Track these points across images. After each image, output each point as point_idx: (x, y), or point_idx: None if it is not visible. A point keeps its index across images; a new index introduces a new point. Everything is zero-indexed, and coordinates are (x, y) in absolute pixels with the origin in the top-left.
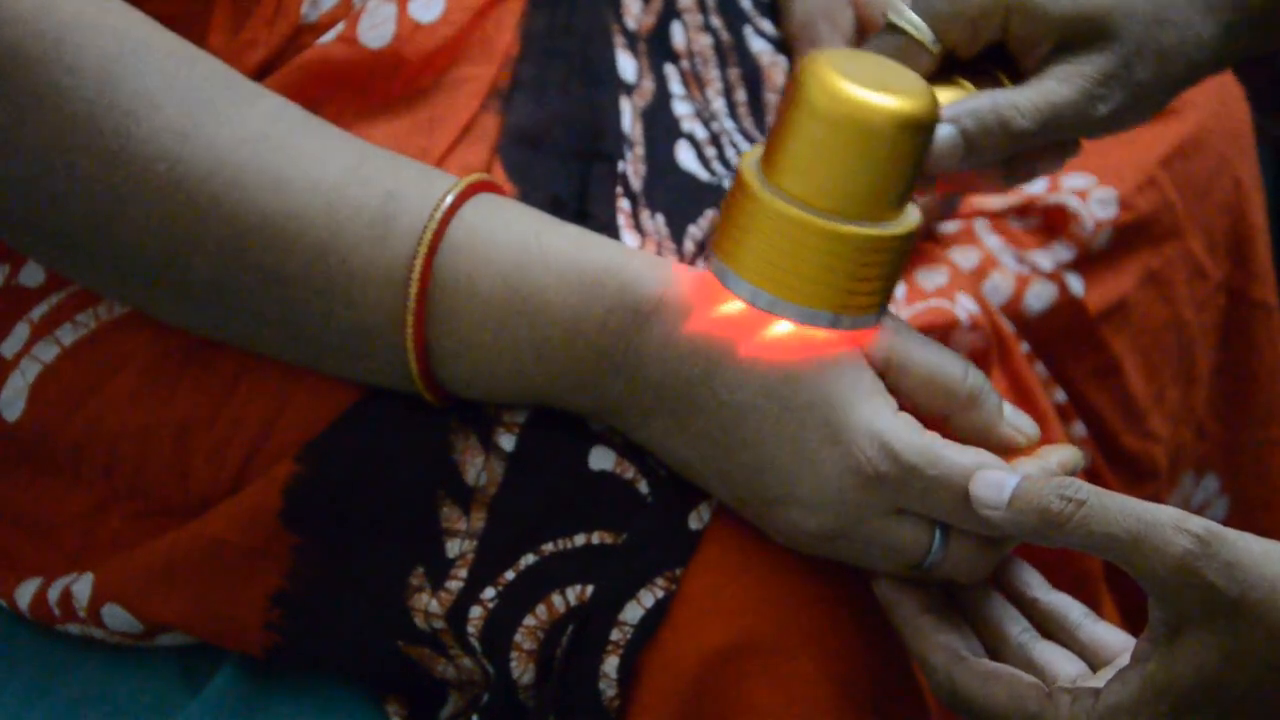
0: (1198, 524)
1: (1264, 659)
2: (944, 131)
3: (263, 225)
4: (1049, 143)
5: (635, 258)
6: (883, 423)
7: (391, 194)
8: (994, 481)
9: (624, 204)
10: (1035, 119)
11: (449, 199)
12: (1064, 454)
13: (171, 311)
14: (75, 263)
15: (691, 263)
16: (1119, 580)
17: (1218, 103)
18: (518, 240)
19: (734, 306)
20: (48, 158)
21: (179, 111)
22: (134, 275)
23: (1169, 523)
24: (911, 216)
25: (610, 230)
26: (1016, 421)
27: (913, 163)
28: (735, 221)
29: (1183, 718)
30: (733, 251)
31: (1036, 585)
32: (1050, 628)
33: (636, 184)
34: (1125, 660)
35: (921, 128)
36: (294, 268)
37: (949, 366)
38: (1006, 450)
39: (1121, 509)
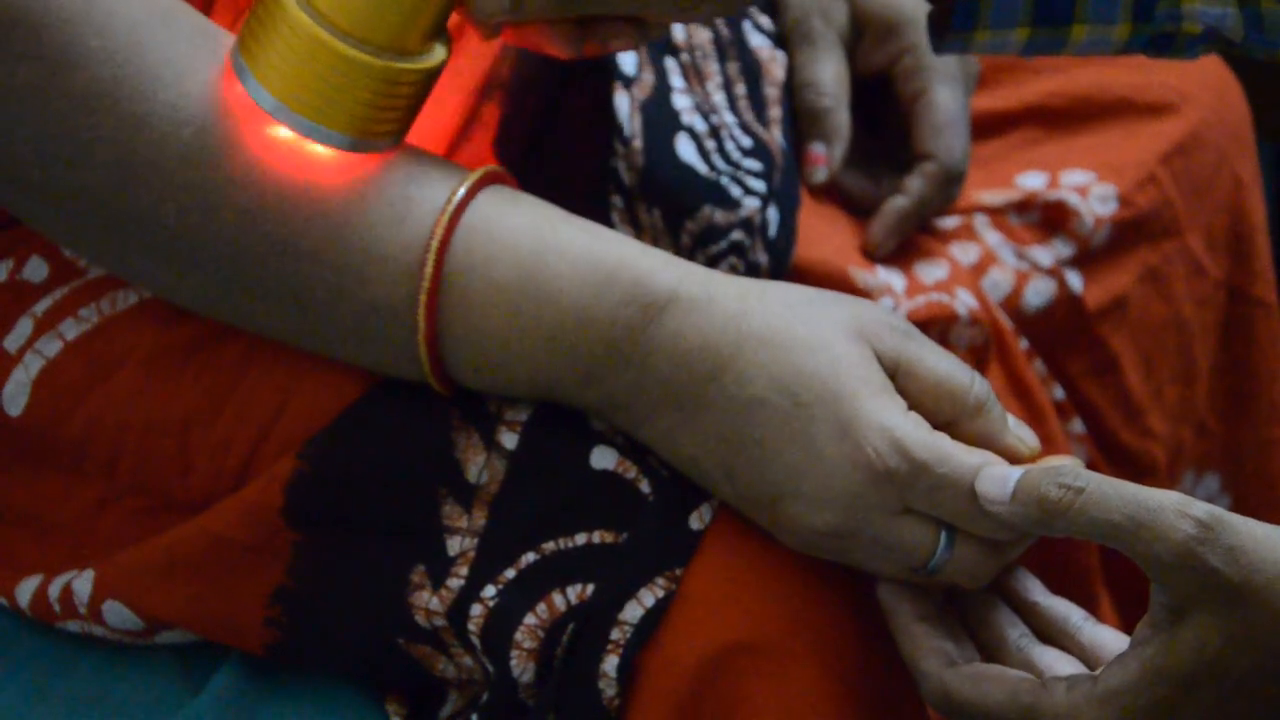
0: (1200, 509)
1: (1265, 642)
2: None
3: (283, 197)
4: (618, 16)
5: (649, 253)
6: (893, 419)
7: (411, 176)
8: (998, 476)
9: (616, 200)
10: None
11: (466, 185)
12: (1064, 462)
13: (180, 287)
14: (86, 231)
15: (689, 257)
16: (1115, 578)
17: (1218, 100)
18: (533, 229)
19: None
20: (72, 119)
21: (205, 79)
22: (147, 245)
23: (1171, 508)
24: (437, 54)
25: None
26: (1019, 432)
27: (443, 1)
28: (266, 28)
29: (1182, 701)
30: (257, 56)
31: (1036, 590)
32: (1050, 632)
33: (632, 178)
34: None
35: None
36: (310, 242)
37: (957, 374)
38: (1009, 460)
39: (1122, 495)
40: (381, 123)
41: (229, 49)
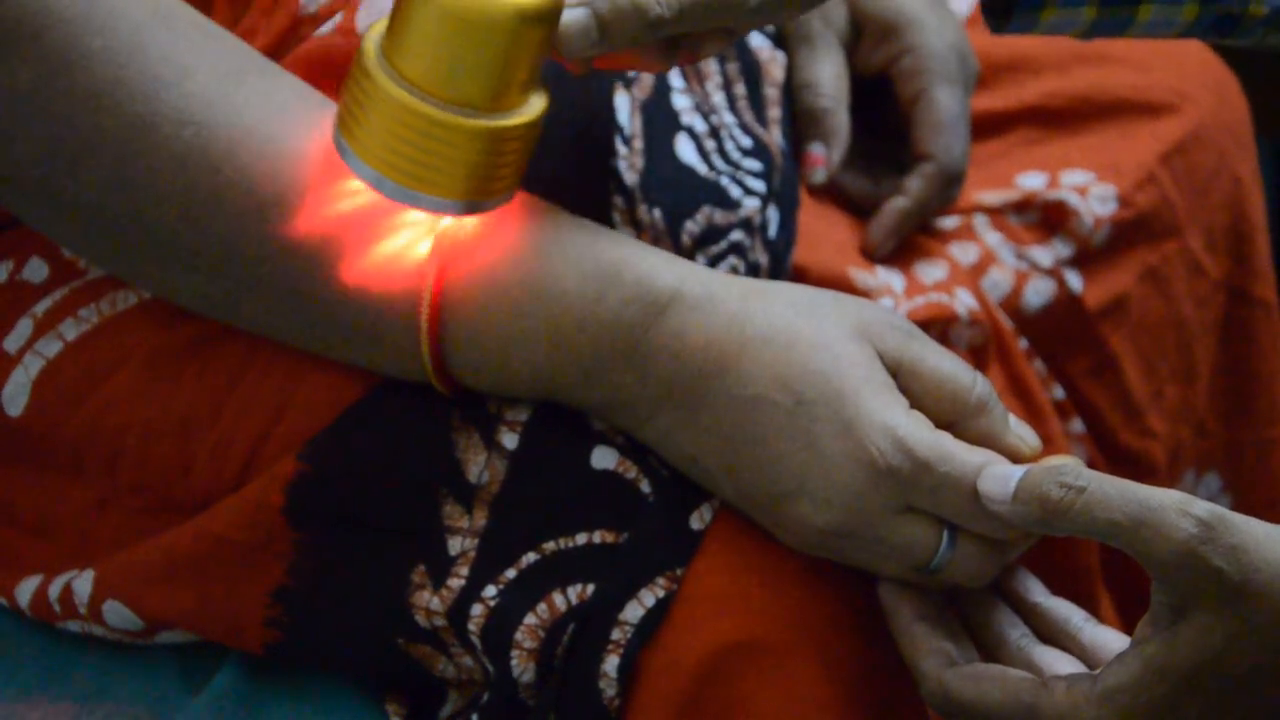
0: (1202, 508)
1: (1266, 641)
2: (574, 15)
3: (285, 198)
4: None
5: (650, 253)
6: (896, 418)
7: None
8: (1000, 476)
9: (618, 200)
10: (672, 7)
11: None
12: (1065, 462)
13: (180, 288)
14: (86, 232)
15: (689, 257)
16: (1116, 577)
17: (1217, 100)
18: (536, 229)
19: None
20: (72, 120)
21: (208, 80)
22: (147, 246)
23: (1173, 506)
24: (535, 105)
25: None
26: (1020, 432)
27: (535, 53)
28: (360, 103)
29: (1182, 699)
30: (356, 133)
31: (1037, 590)
32: (1051, 633)
33: (632, 178)
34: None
35: (540, 20)
36: (310, 242)
37: (959, 374)
38: (1010, 460)
39: (1123, 494)
40: (494, 180)
41: (332, 124)
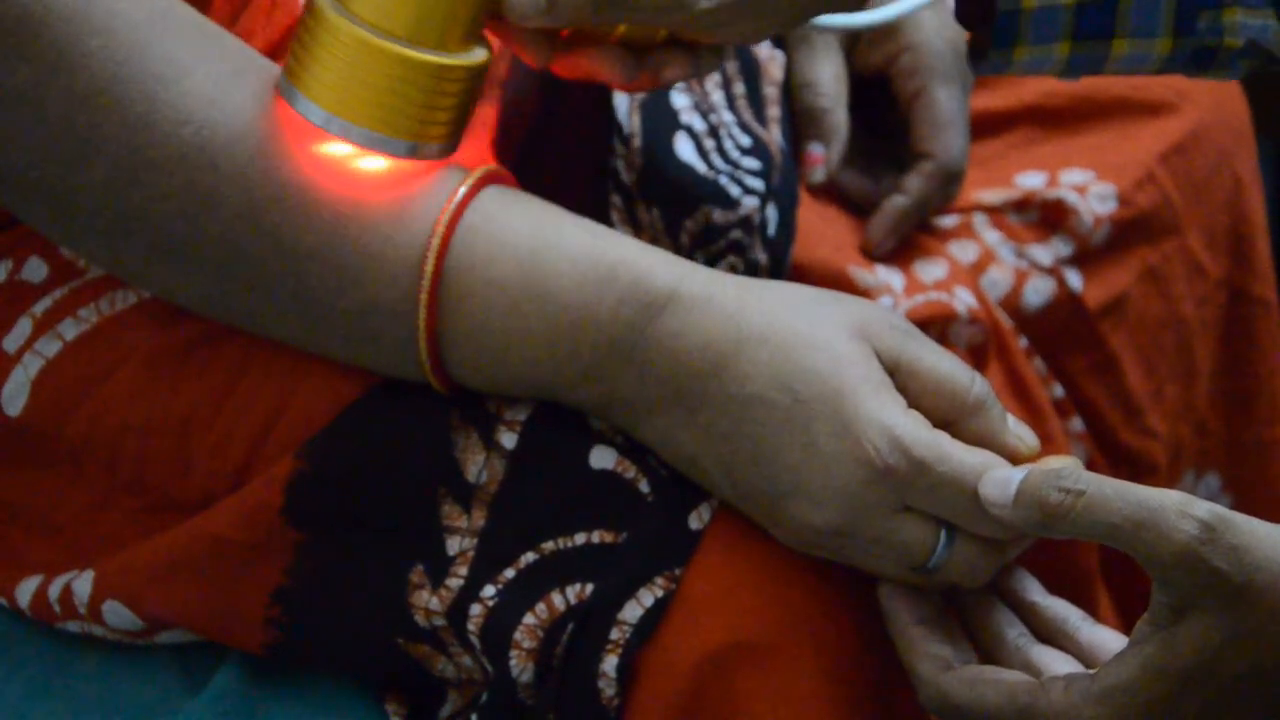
0: (1202, 509)
1: (1266, 640)
2: None
3: (283, 196)
4: (673, 41)
5: (649, 252)
6: (893, 417)
7: (411, 175)
8: (1000, 480)
9: (616, 199)
10: None
11: (466, 185)
12: (1065, 463)
13: (179, 287)
14: (85, 231)
15: (688, 256)
16: (1115, 577)
17: (1217, 99)
18: (534, 228)
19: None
20: (70, 119)
21: (207, 78)
22: (146, 245)
23: (1173, 508)
24: (479, 54)
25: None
26: (1019, 431)
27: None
28: (308, 46)
29: (1181, 698)
30: (303, 76)
31: (1034, 590)
32: (1049, 632)
33: (631, 176)
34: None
35: None
36: (310, 241)
37: (957, 373)
38: (1008, 459)
39: (1123, 496)
40: (435, 124)
41: (275, 77)
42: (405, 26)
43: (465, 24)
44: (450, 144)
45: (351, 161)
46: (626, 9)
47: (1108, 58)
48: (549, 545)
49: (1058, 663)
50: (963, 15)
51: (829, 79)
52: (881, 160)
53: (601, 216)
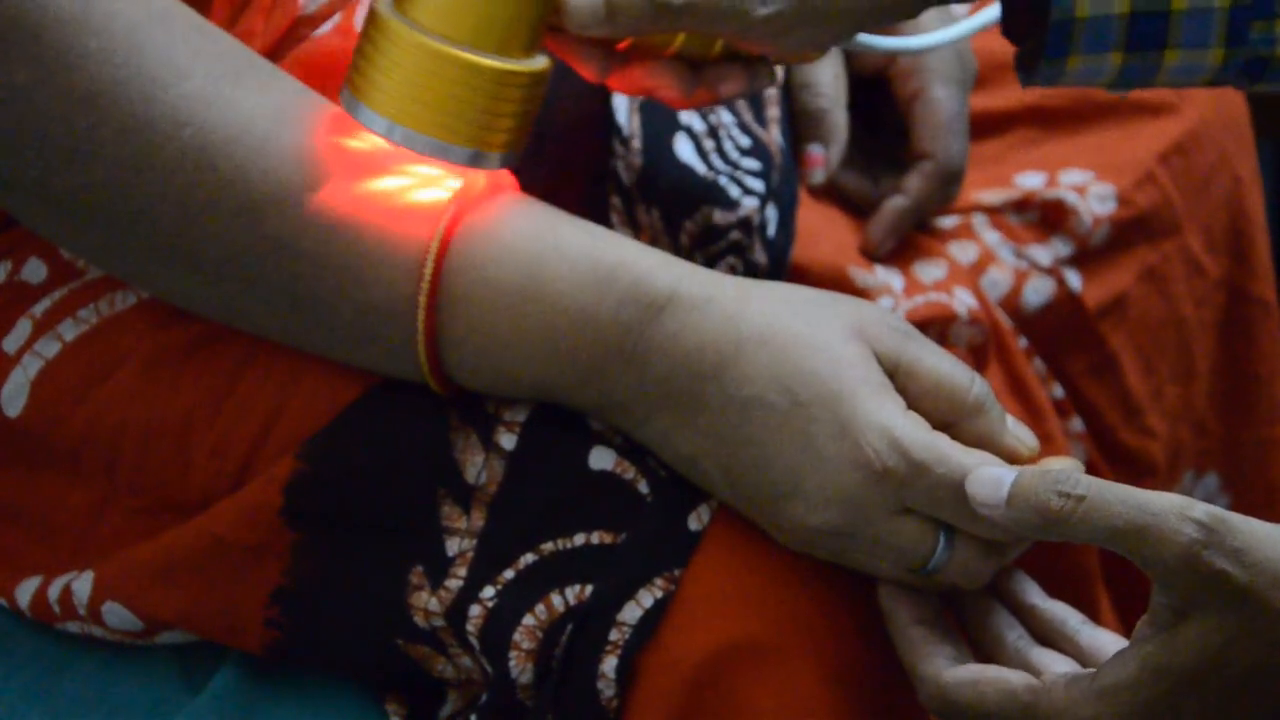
0: (1202, 511)
1: (1267, 639)
2: None
3: (282, 197)
4: (729, 57)
5: (648, 253)
6: (892, 419)
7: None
8: (991, 479)
9: (616, 200)
10: None
11: (467, 186)
12: (1064, 465)
13: (178, 288)
14: (85, 232)
15: (688, 256)
16: (1115, 580)
17: (1217, 99)
18: (534, 230)
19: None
20: (69, 120)
21: (205, 80)
22: (146, 246)
23: (1173, 511)
24: (540, 61)
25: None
26: (1018, 432)
27: (540, 6)
28: (369, 56)
29: (1181, 698)
30: (363, 86)
31: (1034, 593)
32: (1048, 635)
33: (630, 177)
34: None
35: None
36: (309, 242)
37: (957, 375)
38: (1008, 460)
39: (1123, 500)
40: (496, 131)
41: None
42: (467, 33)
43: (526, 31)
44: (511, 153)
45: (351, 162)
46: (685, 15)
47: (1160, 68)
48: (548, 546)
49: (1057, 665)
50: (1010, 29)
51: (828, 80)
52: (881, 161)
53: (601, 217)
